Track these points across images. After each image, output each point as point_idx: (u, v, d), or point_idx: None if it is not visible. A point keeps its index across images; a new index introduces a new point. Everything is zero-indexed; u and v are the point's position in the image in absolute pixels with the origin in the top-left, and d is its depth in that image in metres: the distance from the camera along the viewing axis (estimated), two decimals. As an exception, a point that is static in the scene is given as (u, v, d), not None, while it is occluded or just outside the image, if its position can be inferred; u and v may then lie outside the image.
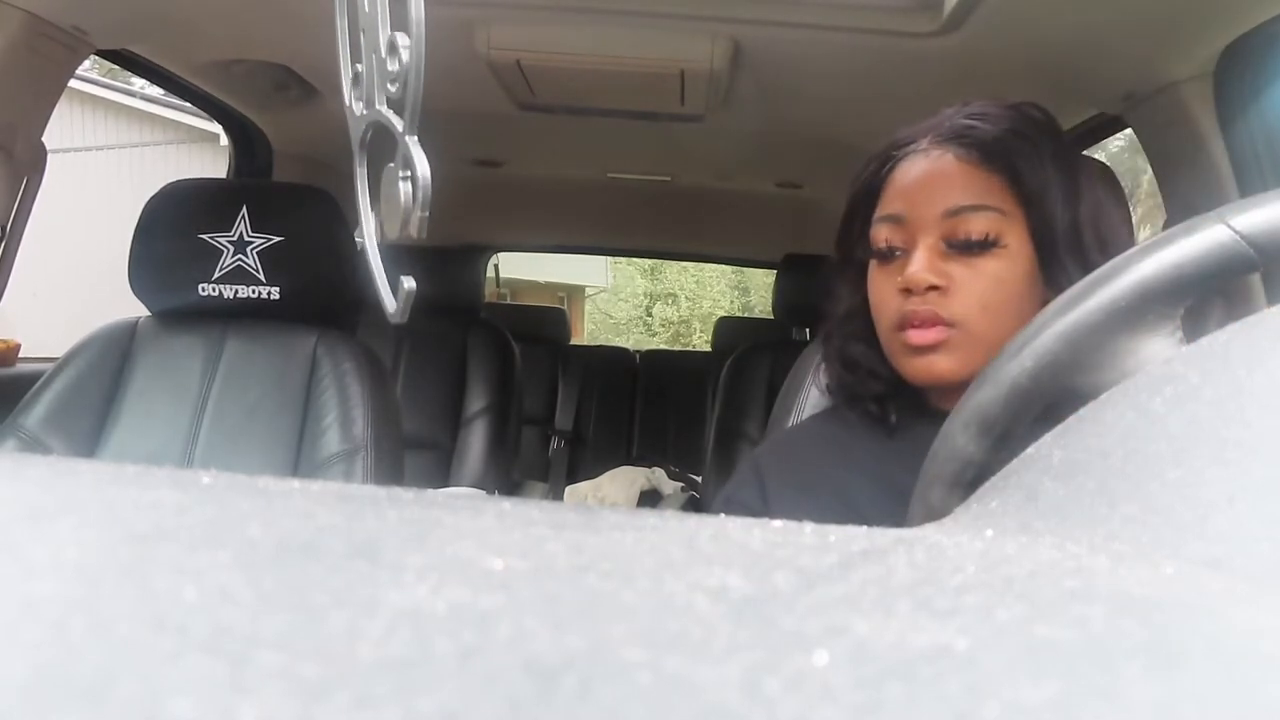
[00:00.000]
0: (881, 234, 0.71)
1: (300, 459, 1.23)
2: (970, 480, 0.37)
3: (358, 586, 0.12)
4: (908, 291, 0.67)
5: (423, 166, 0.30)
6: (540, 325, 3.18)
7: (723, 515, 0.20)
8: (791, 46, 1.31)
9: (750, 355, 1.95)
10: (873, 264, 0.73)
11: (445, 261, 2.22)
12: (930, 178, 0.70)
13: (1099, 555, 0.18)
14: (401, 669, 0.10)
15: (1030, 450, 0.27)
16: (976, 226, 0.67)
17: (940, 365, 0.67)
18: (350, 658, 0.10)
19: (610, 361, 3.27)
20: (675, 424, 3.09)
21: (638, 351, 3.46)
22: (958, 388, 0.55)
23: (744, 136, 1.81)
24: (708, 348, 3.57)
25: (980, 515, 0.25)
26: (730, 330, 3.31)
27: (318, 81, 1.62)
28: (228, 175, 1.94)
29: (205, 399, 1.26)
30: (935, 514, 0.37)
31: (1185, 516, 0.19)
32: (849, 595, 0.13)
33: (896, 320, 0.69)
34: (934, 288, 0.67)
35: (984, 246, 0.67)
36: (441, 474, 1.95)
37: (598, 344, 3.55)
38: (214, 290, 1.26)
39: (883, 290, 0.71)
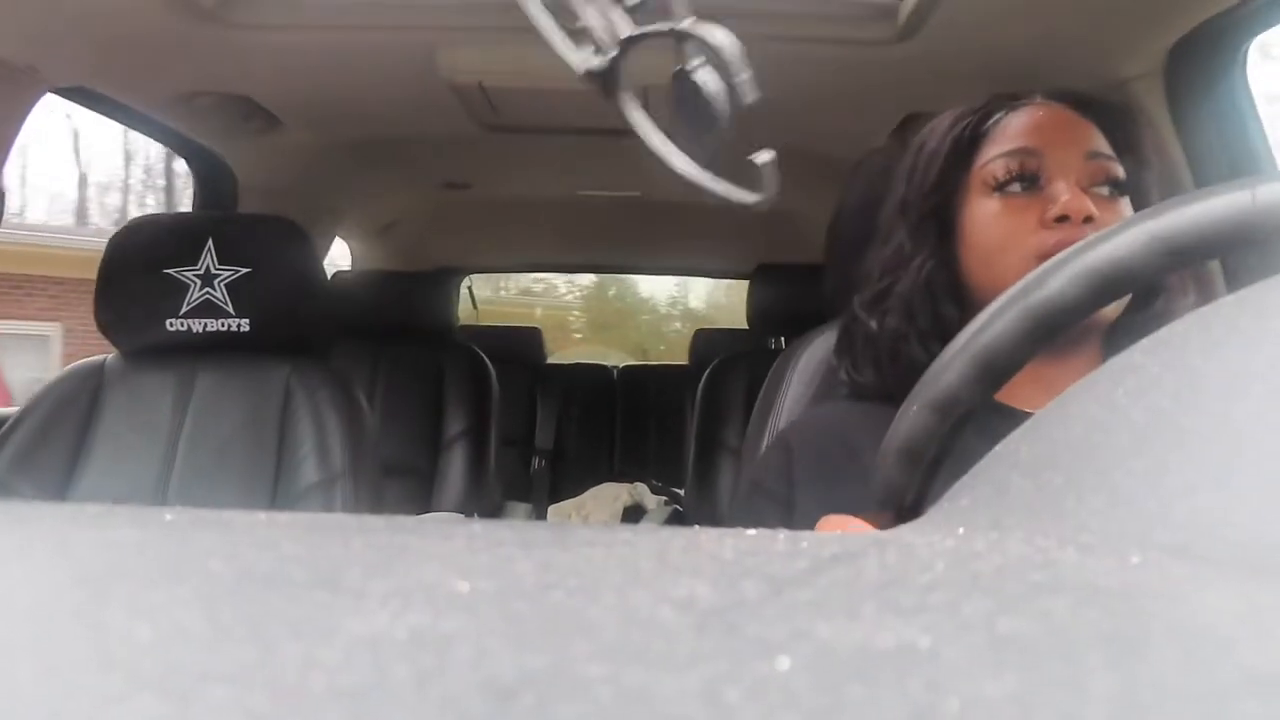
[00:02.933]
0: (1012, 165, 0.67)
1: (278, 491, 1.22)
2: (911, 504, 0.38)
3: (316, 616, 0.12)
4: (1058, 223, 0.63)
5: (721, 34, 0.29)
6: (515, 345, 3.18)
7: (696, 527, 0.20)
8: (749, 59, 1.32)
9: (727, 365, 1.95)
10: (988, 202, 0.68)
11: (417, 286, 2.21)
12: (1065, 122, 0.68)
13: (1067, 548, 0.18)
14: (354, 697, 0.10)
15: (999, 447, 0.27)
16: (1117, 171, 0.66)
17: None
18: (303, 688, 0.10)
19: (588, 378, 3.27)
20: (656, 438, 3.08)
21: (615, 367, 3.46)
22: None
23: None
24: None
25: (952, 513, 0.25)
26: (707, 342, 3.31)
27: (280, 111, 1.62)
28: (192, 208, 1.92)
29: (178, 436, 1.25)
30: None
31: (1150, 505, 0.19)
32: (815, 600, 0.13)
33: (1039, 252, 0.63)
34: (1090, 219, 0.63)
35: (1122, 191, 0.66)
36: (422, 499, 1.94)
37: (574, 362, 3.54)
38: (182, 325, 1.25)
39: (1014, 225, 0.66)
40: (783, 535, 0.19)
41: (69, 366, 1.31)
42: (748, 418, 1.71)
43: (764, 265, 2.04)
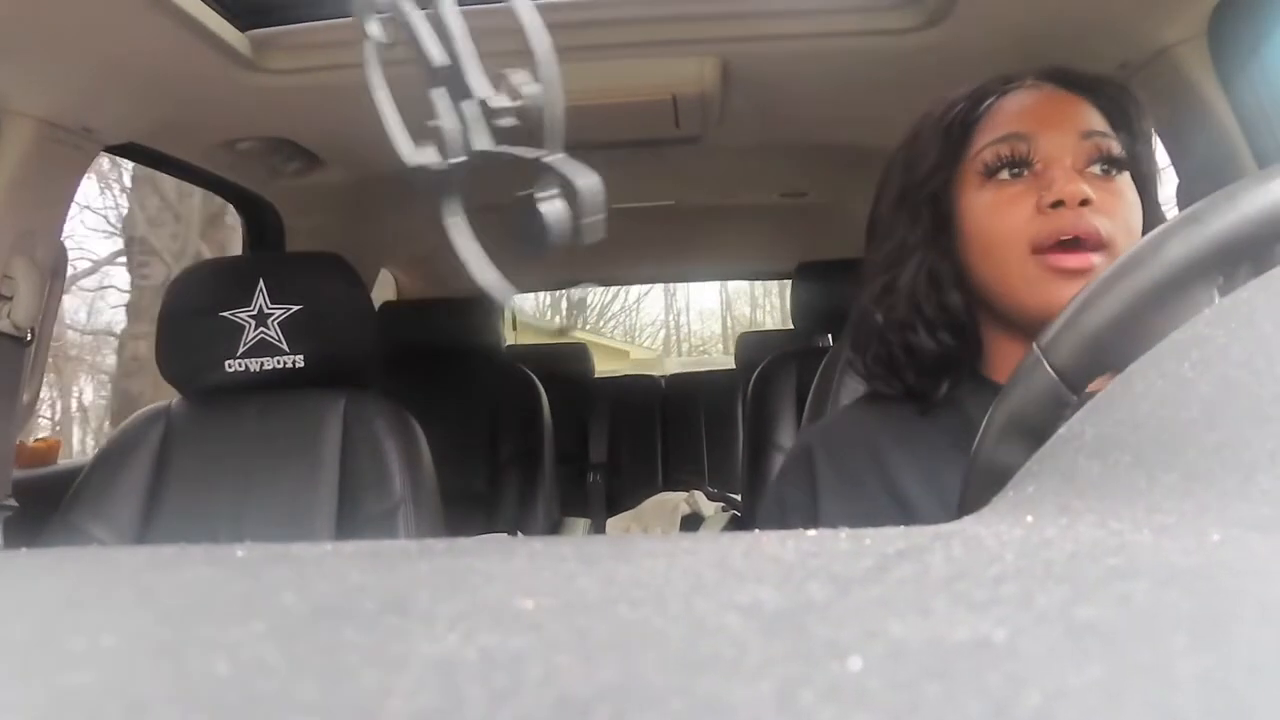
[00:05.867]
0: (1002, 151, 0.66)
1: (341, 522, 1.24)
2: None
3: (389, 642, 0.12)
4: (1054, 209, 0.62)
5: (588, 177, 0.30)
6: (563, 362, 3.19)
7: (757, 531, 0.20)
8: (778, 58, 1.32)
9: (775, 366, 1.94)
10: (982, 192, 0.67)
11: (462, 311, 2.24)
12: (1057, 102, 0.67)
13: (1142, 529, 0.17)
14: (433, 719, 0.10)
15: (1062, 431, 0.26)
16: (1115, 147, 0.65)
17: None
18: (381, 715, 0.10)
19: (636, 390, 3.27)
20: (709, 444, 3.07)
21: (662, 377, 3.46)
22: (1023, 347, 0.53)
23: (743, 151, 1.82)
24: None
25: (1018, 502, 0.24)
26: (753, 344, 3.30)
27: (319, 150, 1.66)
28: (242, 251, 1.98)
29: (244, 474, 1.28)
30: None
31: (1227, 480, 0.19)
32: (884, 597, 0.13)
33: (1036, 240, 0.62)
34: (1087, 202, 0.61)
35: (1121, 168, 0.65)
36: (482, 521, 1.95)
37: (622, 374, 3.55)
38: (240, 365, 1.28)
39: (1008, 212, 0.65)
40: (845, 534, 0.19)
41: (137, 413, 1.36)
42: (799, 417, 1.69)
43: (805, 263, 2.02)
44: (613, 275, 3.55)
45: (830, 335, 2.20)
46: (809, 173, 2.14)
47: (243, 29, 1.23)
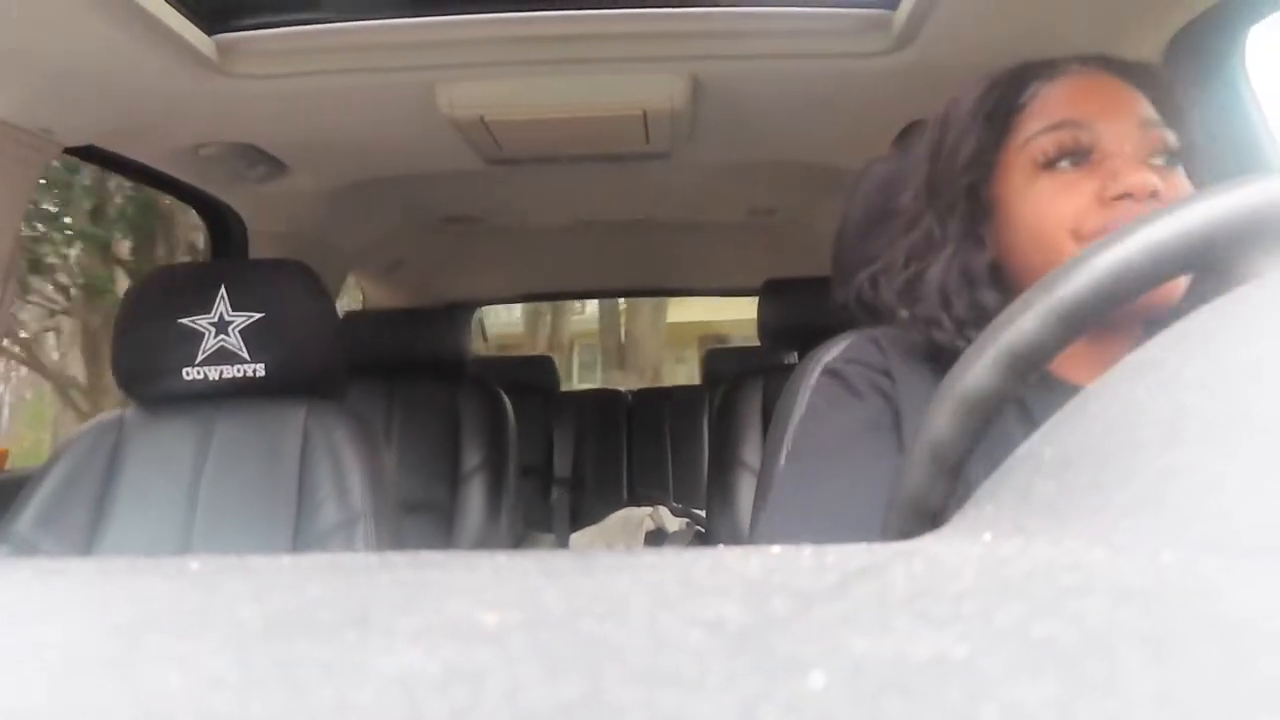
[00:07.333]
0: (1060, 139, 0.62)
1: (299, 534, 1.22)
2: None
3: (348, 656, 0.12)
4: (1117, 200, 0.59)
5: None
6: (528, 374, 3.18)
7: (720, 547, 0.20)
8: (748, 78, 1.33)
9: (741, 383, 1.95)
10: (1036, 181, 0.63)
11: (428, 322, 2.23)
12: (1111, 89, 0.64)
13: (1096, 549, 0.18)
14: None
15: (1020, 450, 0.27)
16: (1171, 140, 0.62)
17: (1178, 283, 0.55)
18: None
19: (602, 404, 3.27)
20: (674, 460, 3.08)
21: (629, 392, 3.46)
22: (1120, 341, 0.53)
23: (712, 168, 1.84)
24: None
25: (976, 520, 0.24)
26: (719, 361, 3.31)
27: (285, 156, 1.64)
28: (204, 257, 1.95)
29: (199, 484, 1.25)
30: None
31: (1180, 501, 0.19)
32: (846, 614, 0.13)
33: (1096, 232, 0.58)
34: (1155, 194, 0.58)
35: (1178, 160, 0.62)
36: (443, 534, 1.93)
37: (587, 388, 3.55)
38: (198, 373, 1.26)
39: (1064, 201, 0.61)
40: (808, 550, 0.19)
41: (89, 421, 1.32)
42: (764, 435, 1.69)
43: (772, 280, 2.04)
44: (581, 287, 3.55)
45: (797, 352, 2.22)
46: (777, 191, 2.17)
47: (209, 33, 1.21)
